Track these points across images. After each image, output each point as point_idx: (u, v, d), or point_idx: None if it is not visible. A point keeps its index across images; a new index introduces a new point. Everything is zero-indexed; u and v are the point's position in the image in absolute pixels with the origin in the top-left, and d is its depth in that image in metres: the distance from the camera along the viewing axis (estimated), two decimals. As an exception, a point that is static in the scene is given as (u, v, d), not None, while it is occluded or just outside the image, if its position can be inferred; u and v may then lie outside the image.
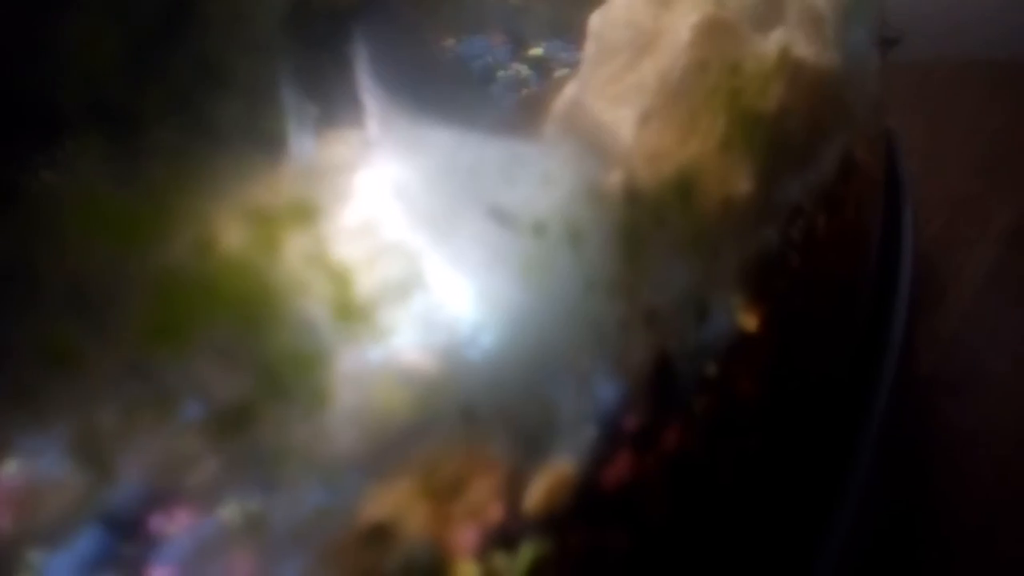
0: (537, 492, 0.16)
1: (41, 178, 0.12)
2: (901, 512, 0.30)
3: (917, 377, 0.36)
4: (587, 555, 0.17)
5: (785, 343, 0.22)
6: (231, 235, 0.13)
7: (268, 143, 0.14)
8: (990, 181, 0.49)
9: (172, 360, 0.12)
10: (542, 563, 0.16)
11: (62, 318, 0.12)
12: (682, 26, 0.20)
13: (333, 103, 0.16)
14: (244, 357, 0.13)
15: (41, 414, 0.12)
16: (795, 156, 0.22)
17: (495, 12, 0.23)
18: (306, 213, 0.13)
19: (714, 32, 0.20)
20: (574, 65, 0.21)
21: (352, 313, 0.14)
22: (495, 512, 0.15)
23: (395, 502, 0.14)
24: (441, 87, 0.21)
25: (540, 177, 0.17)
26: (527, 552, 0.15)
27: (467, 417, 0.15)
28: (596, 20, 0.21)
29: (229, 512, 0.13)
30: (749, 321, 0.20)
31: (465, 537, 0.15)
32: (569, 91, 0.20)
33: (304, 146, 0.15)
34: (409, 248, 0.15)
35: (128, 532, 0.13)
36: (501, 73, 0.22)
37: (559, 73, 0.21)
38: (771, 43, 0.22)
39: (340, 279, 0.14)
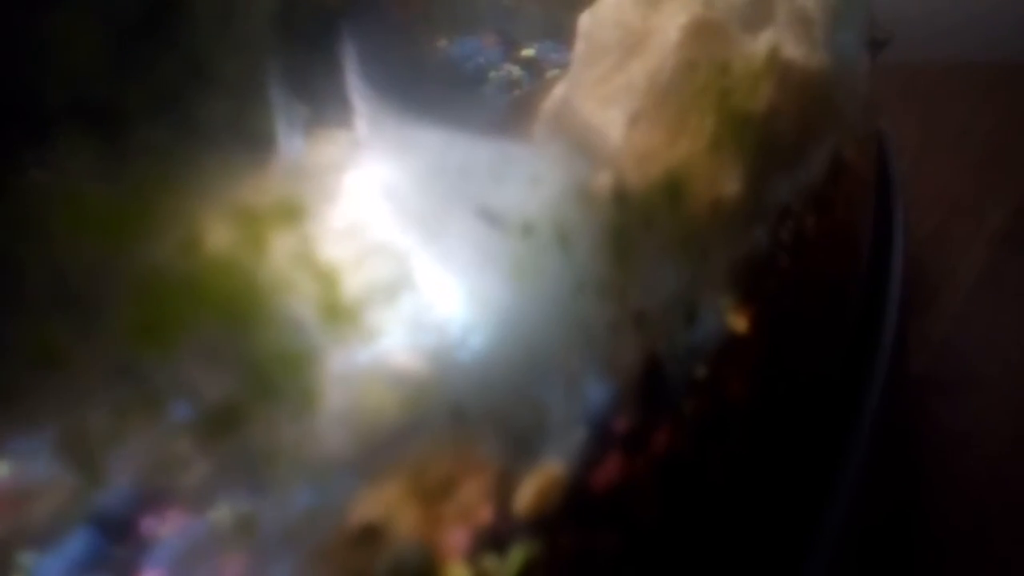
0: (527, 493, 0.16)
1: (30, 177, 0.12)
2: (892, 513, 0.30)
3: (908, 378, 0.36)
4: (577, 557, 0.17)
5: (775, 344, 0.22)
6: (218, 234, 0.13)
7: (256, 142, 0.14)
8: (982, 182, 0.49)
9: (160, 360, 0.12)
10: (532, 565, 0.16)
11: (49, 317, 0.12)
12: (671, 26, 0.20)
13: (322, 103, 0.16)
14: (232, 357, 0.13)
15: (29, 414, 0.12)
16: (784, 157, 0.22)
17: (487, 13, 0.23)
18: (293, 213, 0.13)
19: (703, 33, 0.20)
20: (564, 66, 0.21)
21: (340, 313, 0.14)
22: (485, 513, 0.15)
23: (385, 503, 0.14)
24: (431, 88, 0.21)
25: (529, 178, 0.17)
26: (517, 554, 0.15)
27: (457, 418, 0.15)
28: (586, 20, 0.21)
29: (220, 513, 0.13)
30: (739, 322, 0.20)
31: (455, 538, 0.15)
32: (558, 91, 0.20)
33: (292, 146, 0.14)
34: (398, 248, 0.15)
35: (119, 534, 0.13)
36: (493, 74, 0.22)
37: (551, 74, 0.21)
38: (760, 44, 0.22)
39: (327, 279, 0.13)
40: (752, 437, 0.21)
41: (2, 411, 0.12)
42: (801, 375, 0.23)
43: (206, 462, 0.13)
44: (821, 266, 0.25)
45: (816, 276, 0.24)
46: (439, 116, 0.19)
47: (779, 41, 0.22)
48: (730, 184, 0.20)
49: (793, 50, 0.23)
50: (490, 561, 0.15)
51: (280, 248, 0.13)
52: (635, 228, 0.18)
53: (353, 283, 0.14)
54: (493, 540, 0.15)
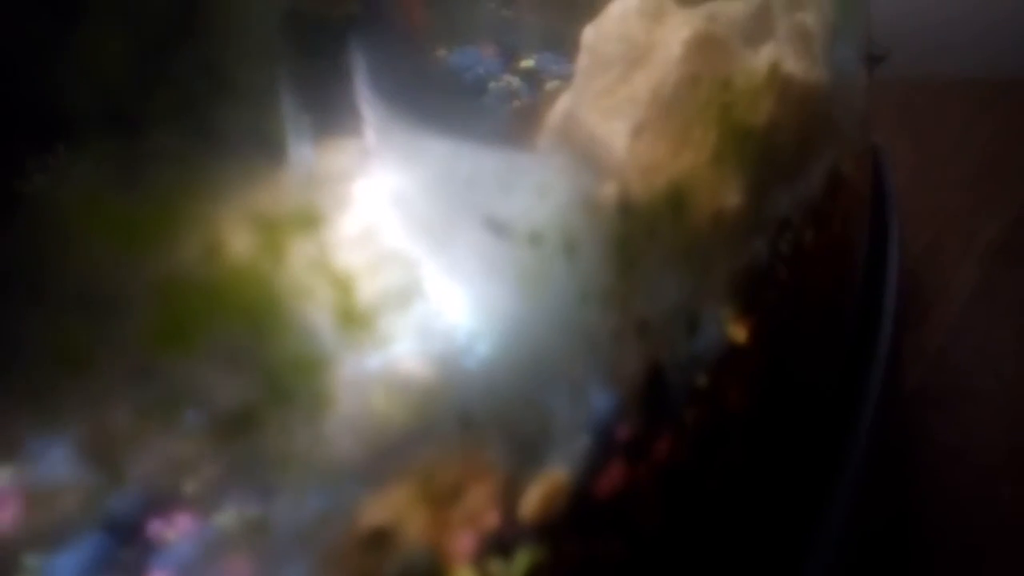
0: (532, 499, 0.16)
1: (34, 182, 0.12)
2: (887, 524, 0.30)
3: (903, 391, 0.37)
4: (581, 562, 0.17)
5: (774, 355, 0.22)
6: (237, 241, 0.13)
7: (271, 150, 0.14)
8: (976, 197, 0.50)
9: (180, 363, 0.12)
10: (537, 570, 0.16)
11: (72, 321, 0.12)
12: (674, 41, 0.20)
13: (331, 112, 0.17)
14: (249, 361, 0.13)
15: (52, 415, 0.12)
16: (784, 170, 0.22)
17: (487, 23, 0.23)
18: (310, 220, 0.14)
19: (705, 47, 0.21)
20: (565, 77, 0.21)
21: (354, 320, 0.14)
22: (491, 519, 0.15)
23: (394, 507, 0.14)
24: (433, 97, 0.21)
25: (535, 188, 0.17)
26: (523, 558, 0.16)
27: (464, 424, 0.15)
28: (590, 33, 0.21)
29: (227, 517, 0.13)
30: (739, 333, 0.20)
31: (462, 543, 0.15)
32: (563, 103, 0.20)
33: (304, 154, 0.15)
34: (408, 256, 0.15)
35: (128, 536, 0.13)
36: (492, 84, 0.22)
37: (550, 85, 0.22)
38: (761, 59, 0.22)
39: (343, 286, 0.14)
40: (751, 446, 0.21)
41: (25, 411, 0.12)
42: (799, 385, 0.24)
43: (218, 465, 0.13)
44: (819, 278, 0.25)
45: (814, 288, 0.25)
46: (443, 126, 0.19)
47: (779, 56, 0.22)
48: (731, 196, 0.20)
49: (793, 65, 0.23)
50: (496, 565, 0.15)
51: (297, 255, 0.13)
52: (639, 238, 0.18)
53: (366, 290, 0.14)
54: (499, 545, 0.15)
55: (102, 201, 0.12)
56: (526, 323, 0.16)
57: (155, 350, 0.12)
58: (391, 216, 0.16)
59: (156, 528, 0.13)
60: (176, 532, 0.13)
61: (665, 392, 0.18)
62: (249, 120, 0.14)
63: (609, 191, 0.18)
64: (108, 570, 0.13)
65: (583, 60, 0.21)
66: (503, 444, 0.16)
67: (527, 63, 0.22)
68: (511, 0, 0.23)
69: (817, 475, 0.23)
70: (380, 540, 0.14)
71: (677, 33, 0.21)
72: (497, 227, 0.16)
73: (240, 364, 0.13)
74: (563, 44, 0.21)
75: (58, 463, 0.12)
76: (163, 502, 0.13)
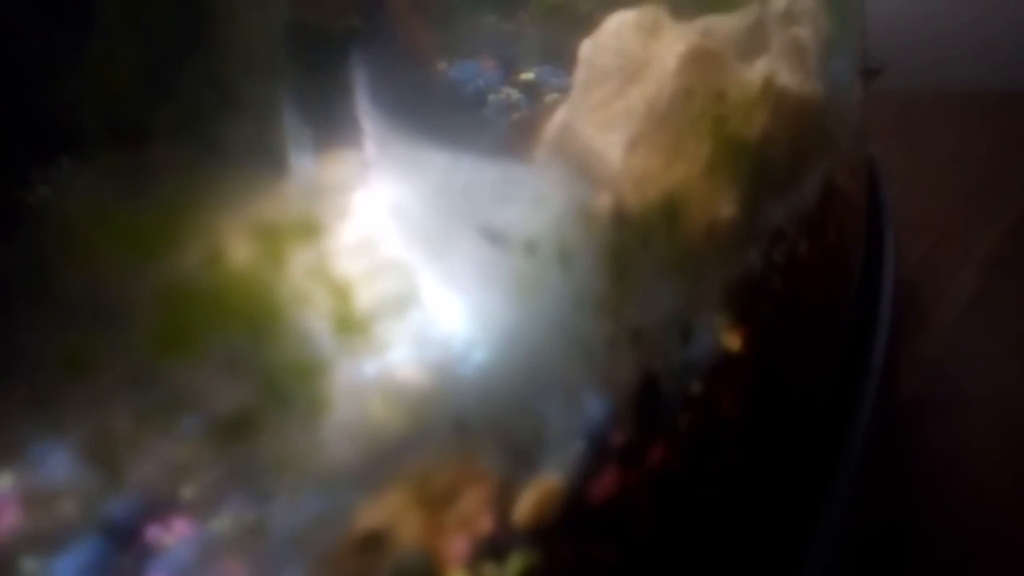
0: (526, 504, 0.16)
1: (38, 193, 0.12)
2: (883, 531, 0.31)
3: (899, 400, 0.37)
4: (574, 567, 0.17)
5: (767, 363, 0.22)
6: (238, 249, 0.13)
7: (273, 161, 0.14)
8: (972, 209, 0.50)
9: (181, 369, 0.13)
10: (531, 574, 0.16)
11: (75, 327, 0.12)
12: (669, 55, 0.21)
13: (332, 124, 0.17)
14: (248, 366, 0.13)
15: (55, 420, 0.12)
16: (778, 181, 0.23)
17: (487, 37, 0.23)
18: (309, 229, 0.14)
19: (700, 61, 0.21)
20: (563, 90, 0.21)
21: (352, 326, 0.14)
22: (485, 523, 0.16)
23: (389, 511, 0.14)
24: (434, 110, 0.21)
25: (531, 198, 0.17)
26: (516, 562, 0.16)
27: (459, 430, 0.15)
28: (587, 47, 0.21)
29: (224, 522, 0.14)
30: (732, 341, 0.20)
31: (456, 546, 0.15)
32: (560, 116, 0.21)
33: (305, 165, 0.15)
34: (405, 265, 0.16)
35: (126, 541, 0.14)
36: (492, 97, 0.22)
37: (549, 97, 0.22)
38: (755, 72, 0.22)
39: (341, 293, 0.14)
40: (745, 453, 0.21)
41: (29, 416, 0.12)
42: (793, 394, 0.24)
43: (218, 468, 0.13)
44: (813, 288, 0.25)
45: (808, 298, 0.25)
46: (442, 138, 0.19)
47: (774, 70, 0.23)
48: (725, 207, 0.20)
49: (787, 78, 0.23)
50: (489, 569, 0.15)
51: (296, 263, 0.14)
52: (633, 248, 0.18)
53: (364, 297, 0.14)
54: (493, 549, 0.16)
55: (107, 210, 0.12)
56: (521, 331, 0.17)
57: (157, 356, 0.13)
58: (389, 226, 0.16)
59: (154, 533, 0.14)
60: (173, 537, 0.14)
61: (659, 399, 0.19)
62: (251, 132, 0.14)
63: (604, 201, 0.18)
64: (106, 574, 0.14)
65: (580, 73, 0.21)
66: (498, 449, 0.16)
67: (527, 76, 0.23)
68: (511, 14, 0.24)
69: (812, 482, 0.24)
70: (375, 543, 0.14)
71: (673, 47, 0.21)
72: (493, 236, 0.17)
73: (239, 369, 0.13)
74: (563, 56, 0.21)
75: (59, 467, 0.13)
76: (161, 506, 0.14)
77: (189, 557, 0.14)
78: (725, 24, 0.23)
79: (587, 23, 0.22)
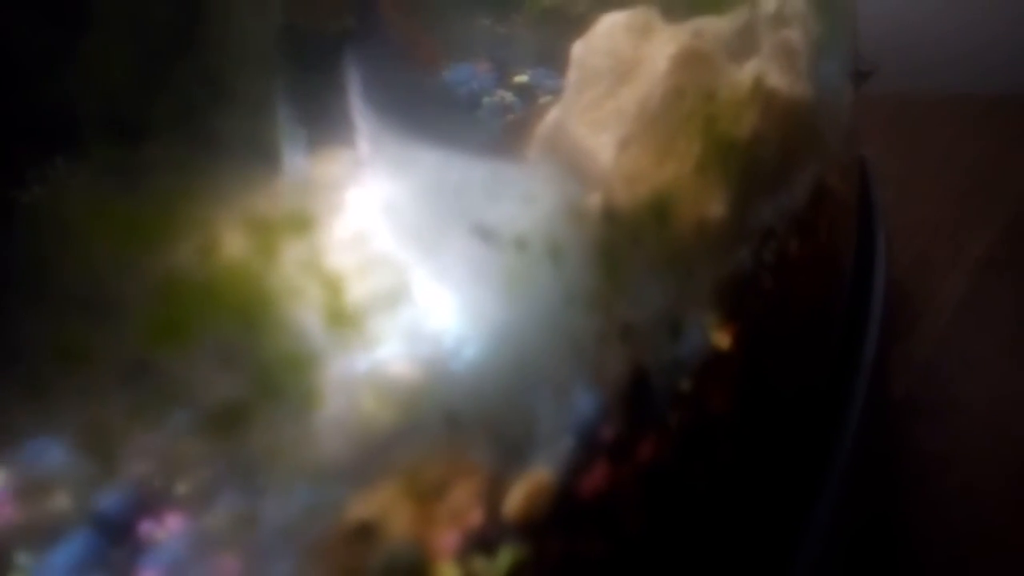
0: (516, 498, 0.16)
1: (32, 191, 0.13)
2: (873, 531, 0.31)
3: (891, 401, 0.37)
4: (564, 561, 0.17)
5: (757, 361, 0.22)
6: (231, 242, 0.13)
7: (266, 157, 0.15)
8: (964, 211, 0.50)
9: (174, 360, 0.13)
10: (520, 567, 0.16)
11: (71, 317, 0.12)
12: (660, 56, 0.21)
13: (326, 123, 0.17)
14: (241, 358, 0.13)
15: (49, 412, 0.13)
16: (768, 181, 0.23)
17: (482, 39, 0.24)
18: (302, 223, 0.14)
19: (691, 62, 0.21)
20: (557, 92, 0.21)
21: (343, 320, 0.14)
22: (475, 516, 0.16)
23: (380, 503, 0.15)
24: (429, 110, 0.21)
25: (522, 196, 0.18)
26: (506, 556, 0.16)
27: (450, 424, 0.16)
28: (579, 48, 0.22)
29: (217, 517, 0.14)
30: (722, 339, 0.21)
31: (446, 539, 0.15)
32: (552, 116, 0.21)
33: (298, 162, 0.15)
34: (398, 260, 0.16)
35: (119, 535, 0.14)
36: (486, 99, 0.22)
37: (543, 100, 0.22)
38: (745, 73, 0.22)
39: (333, 287, 0.14)
40: (735, 450, 0.21)
41: (23, 408, 0.12)
42: (783, 392, 0.24)
43: (211, 459, 0.14)
44: (803, 287, 0.25)
45: (798, 297, 0.25)
46: (435, 138, 0.19)
47: (764, 71, 0.23)
48: (715, 206, 0.21)
49: (777, 80, 0.24)
50: (479, 562, 0.16)
51: (289, 256, 0.14)
52: (623, 246, 0.18)
53: (356, 291, 0.14)
54: (483, 542, 0.16)
55: (105, 203, 0.12)
56: (512, 326, 0.17)
57: (154, 346, 0.13)
58: (382, 223, 0.16)
59: (146, 527, 0.14)
60: (166, 530, 0.14)
61: (649, 395, 0.19)
62: (246, 129, 0.14)
63: (594, 200, 0.18)
64: (98, 569, 0.14)
65: (572, 74, 0.21)
66: (488, 444, 0.16)
67: (521, 78, 0.23)
68: (506, 17, 0.24)
69: (802, 480, 0.24)
70: (365, 534, 0.14)
71: (664, 48, 0.21)
72: (484, 233, 0.17)
73: (232, 362, 0.13)
74: (557, 59, 0.22)
75: (52, 459, 0.13)
76: (153, 499, 0.14)
77: (181, 550, 0.14)
78: (716, 26, 0.23)
79: (581, 25, 0.22)
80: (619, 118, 0.20)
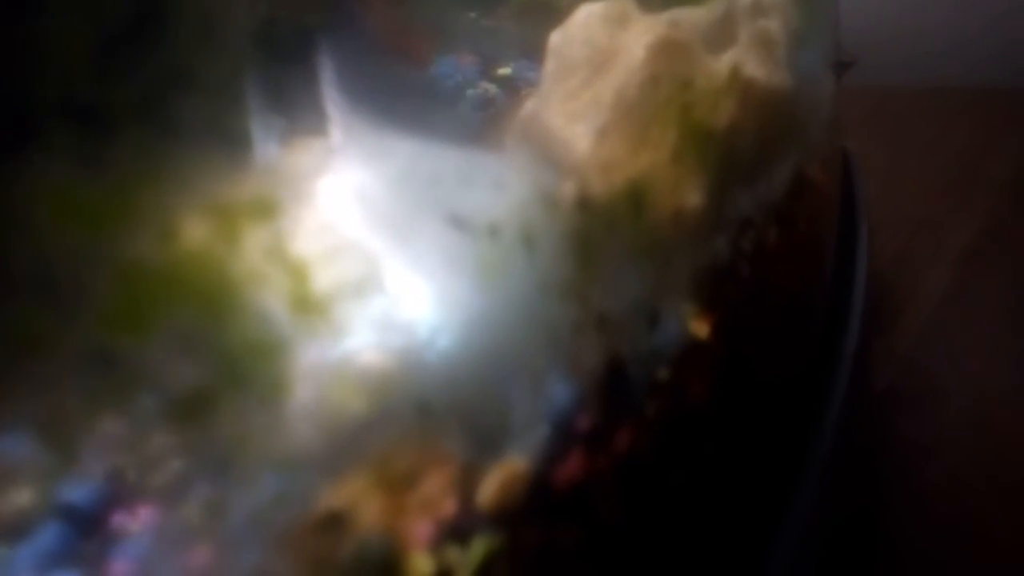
0: (490, 487, 0.16)
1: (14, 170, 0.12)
2: (855, 520, 0.31)
3: (873, 392, 0.37)
4: (539, 550, 0.17)
5: (736, 351, 0.22)
6: (195, 228, 0.13)
7: (232, 144, 0.15)
8: (948, 204, 0.50)
9: (136, 347, 0.13)
10: (494, 557, 0.16)
11: (30, 303, 0.12)
12: (637, 46, 0.21)
13: (298, 112, 0.17)
14: (204, 346, 0.13)
15: (9, 396, 0.12)
16: (746, 171, 0.23)
17: (465, 31, 0.24)
18: (267, 210, 0.14)
19: (668, 52, 0.21)
20: (539, 84, 0.21)
21: (309, 307, 0.14)
22: (448, 505, 0.16)
23: (350, 492, 0.14)
24: (408, 102, 0.21)
25: (495, 183, 0.18)
26: (479, 546, 0.16)
27: (422, 412, 0.16)
28: (556, 38, 0.21)
29: (187, 504, 0.14)
30: (700, 328, 0.21)
31: (419, 529, 0.15)
32: (529, 105, 0.21)
33: (267, 151, 0.15)
34: (367, 248, 0.16)
35: (88, 526, 0.14)
36: (469, 92, 0.22)
37: (526, 92, 0.22)
38: (723, 63, 0.22)
39: (298, 273, 0.14)
40: (713, 440, 0.21)
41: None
42: (762, 382, 0.24)
43: (176, 450, 0.14)
44: (783, 278, 0.25)
45: (778, 287, 0.25)
46: (411, 128, 0.19)
47: (741, 60, 0.23)
48: (692, 195, 0.21)
49: (755, 69, 0.24)
50: (453, 552, 0.16)
51: (252, 242, 0.14)
52: (598, 234, 0.18)
53: (323, 278, 0.14)
54: (456, 532, 0.16)
55: (64, 187, 0.12)
56: (486, 314, 0.17)
57: (113, 333, 0.13)
58: (353, 210, 0.16)
59: (116, 518, 0.14)
60: (136, 520, 0.14)
61: (626, 384, 0.19)
62: (212, 114, 0.14)
63: (568, 188, 0.18)
64: (70, 561, 0.14)
65: (549, 64, 0.21)
66: (462, 433, 0.16)
67: (504, 71, 0.23)
68: (491, 10, 0.24)
69: (782, 470, 0.24)
70: (335, 524, 0.14)
71: (640, 38, 0.21)
72: (457, 221, 0.17)
73: (196, 348, 0.13)
74: (540, 52, 0.22)
75: (14, 449, 0.13)
76: (122, 489, 0.14)
77: (151, 541, 0.14)
78: (693, 16, 0.23)
79: (564, 17, 0.22)
80: (596, 108, 0.20)
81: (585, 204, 0.18)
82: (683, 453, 0.20)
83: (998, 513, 0.32)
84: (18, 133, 0.12)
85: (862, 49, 0.46)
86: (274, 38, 0.17)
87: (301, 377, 0.14)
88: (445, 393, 0.16)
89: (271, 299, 0.14)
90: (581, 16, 0.22)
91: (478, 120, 0.22)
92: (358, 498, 0.15)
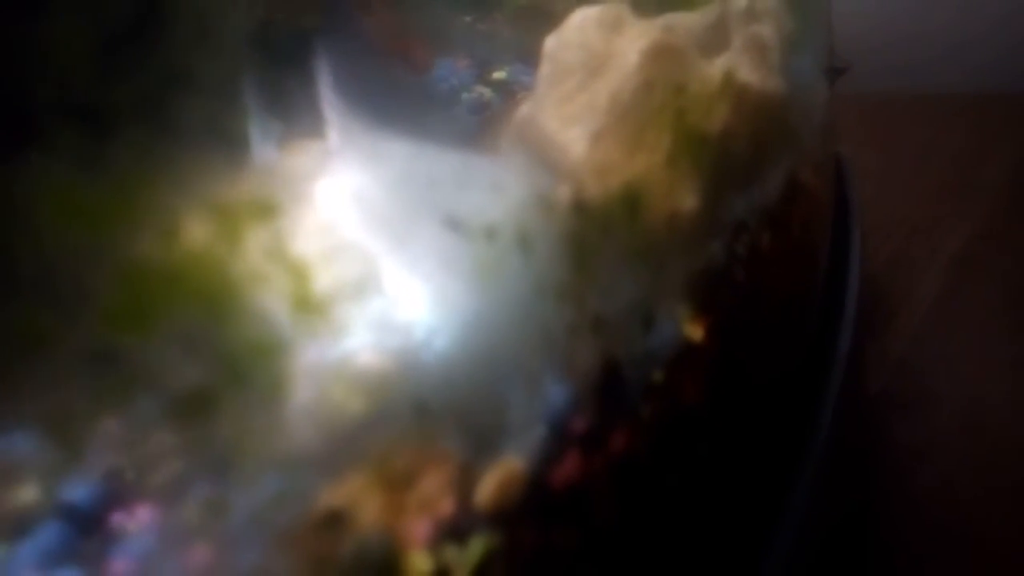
0: (488, 487, 0.16)
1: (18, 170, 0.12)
2: (848, 522, 0.31)
3: (866, 395, 0.37)
4: (536, 550, 0.17)
5: (730, 353, 0.22)
6: (195, 228, 0.13)
7: (233, 145, 0.15)
8: (941, 209, 0.51)
9: (136, 346, 0.13)
10: (492, 556, 0.16)
11: (34, 303, 0.12)
12: (631, 50, 0.21)
13: (296, 115, 0.17)
14: (206, 345, 0.13)
15: (13, 394, 0.12)
16: (739, 175, 0.23)
17: (461, 36, 0.24)
18: (267, 210, 0.14)
19: (662, 56, 0.21)
20: (534, 88, 0.21)
21: (309, 307, 0.14)
22: (446, 505, 0.16)
23: (349, 491, 0.15)
24: (404, 105, 0.21)
25: (491, 186, 0.18)
26: (477, 545, 0.16)
27: (420, 413, 0.16)
28: (551, 42, 0.22)
29: (188, 503, 0.14)
30: (694, 331, 0.21)
31: (417, 528, 0.15)
32: (524, 109, 0.21)
33: (266, 152, 0.15)
34: (366, 249, 0.16)
35: (88, 525, 0.14)
36: (465, 95, 0.23)
37: (522, 96, 0.22)
38: (716, 68, 0.23)
39: (298, 273, 0.14)
40: (708, 441, 0.22)
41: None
42: (756, 384, 0.24)
43: (177, 450, 0.14)
44: (776, 281, 0.26)
45: (771, 290, 0.25)
46: (409, 131, 0.19)
47: (735, 65, 0.23)
48: (686, 198, 0.21)
49: (748, 75, 0.24)
50: (451, 551, 0.16)
51: (253, 243, 0.14)
52: (593, 237, 0.18)
53: (322, 279, 0.14)
54: (454, 531, 0.16)
55: (68, 188, 0.12)
56: (483, 316, 0.17)
57: (117, 332, 0.13)
58: (351, 212, 0.16)
59: (117, 517, 0.14)
60: (135, 519, 0.14)
61: (621, 386, 0.19)
62: (212, 116, 0.14)
63: (564, 191, 0.19)
64: (70, 559, 0.14)
65: (545, 68, 0.22)
66: (459, 433, 0.16)
67: (499, 74, 0.23)
68: (487, 15, 0.24)
69: (776, 472, 0.24)
70: (335, 522, 0.14)
71: (635, 43, 0.22)
72: (454, 223, 0.17)
73: (198, 347, 0.13)
74: (535, 56, 0.22)
75: (17, 447, 0.13)
76: (123, 487, 0.14)
77: (151, 540, 0.14)
78: (687, 21, 0.23)
79: (559, 22, 0.22)
80: (591, 111, 0.20)
81: (580, 207, 0.18)
82: (678, 454, 0.21)
83: (990, 516, 0.32)
84: (19, 133, 0.12)
85: (855, 55, 0.47)
86: (272, 41, 0.17)
87: (301, 377, 0.14)
88: (442, 393, 0.16)
89: (271, 299, 0.14)
90: (576, 20, 0.22)
91: (474, 123, 0.22)
92: (357, 497, 0.15)
